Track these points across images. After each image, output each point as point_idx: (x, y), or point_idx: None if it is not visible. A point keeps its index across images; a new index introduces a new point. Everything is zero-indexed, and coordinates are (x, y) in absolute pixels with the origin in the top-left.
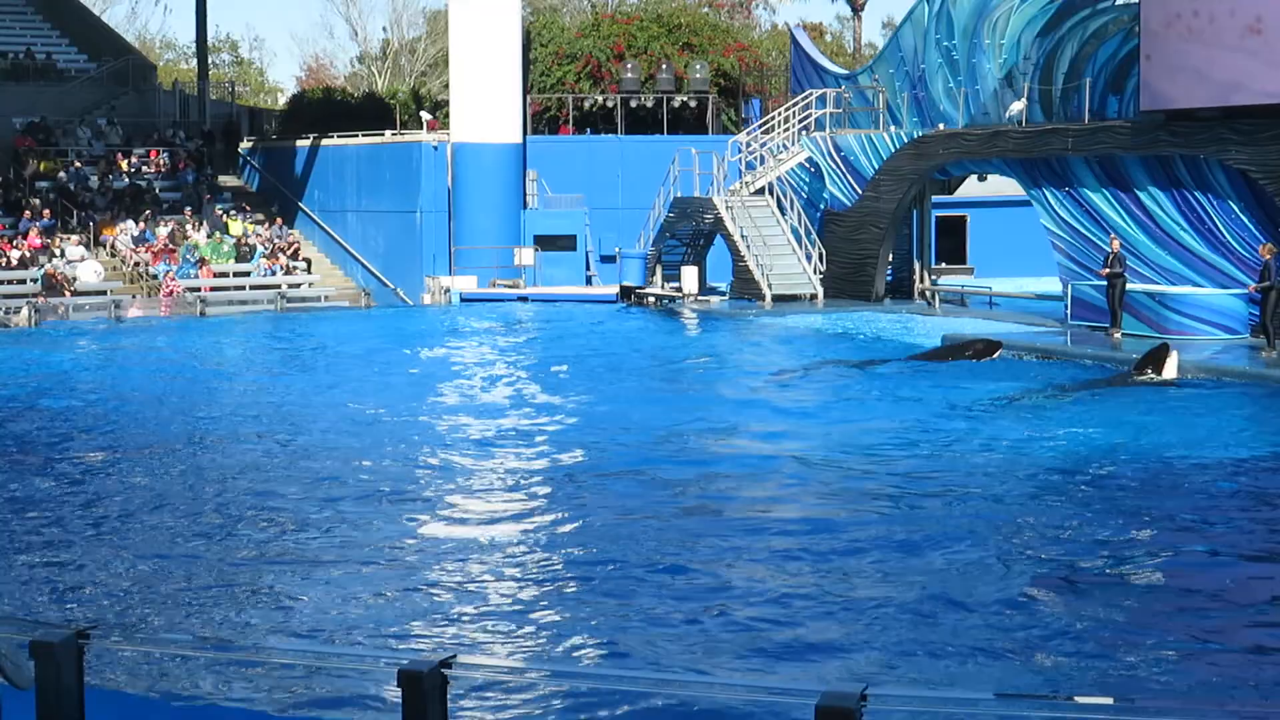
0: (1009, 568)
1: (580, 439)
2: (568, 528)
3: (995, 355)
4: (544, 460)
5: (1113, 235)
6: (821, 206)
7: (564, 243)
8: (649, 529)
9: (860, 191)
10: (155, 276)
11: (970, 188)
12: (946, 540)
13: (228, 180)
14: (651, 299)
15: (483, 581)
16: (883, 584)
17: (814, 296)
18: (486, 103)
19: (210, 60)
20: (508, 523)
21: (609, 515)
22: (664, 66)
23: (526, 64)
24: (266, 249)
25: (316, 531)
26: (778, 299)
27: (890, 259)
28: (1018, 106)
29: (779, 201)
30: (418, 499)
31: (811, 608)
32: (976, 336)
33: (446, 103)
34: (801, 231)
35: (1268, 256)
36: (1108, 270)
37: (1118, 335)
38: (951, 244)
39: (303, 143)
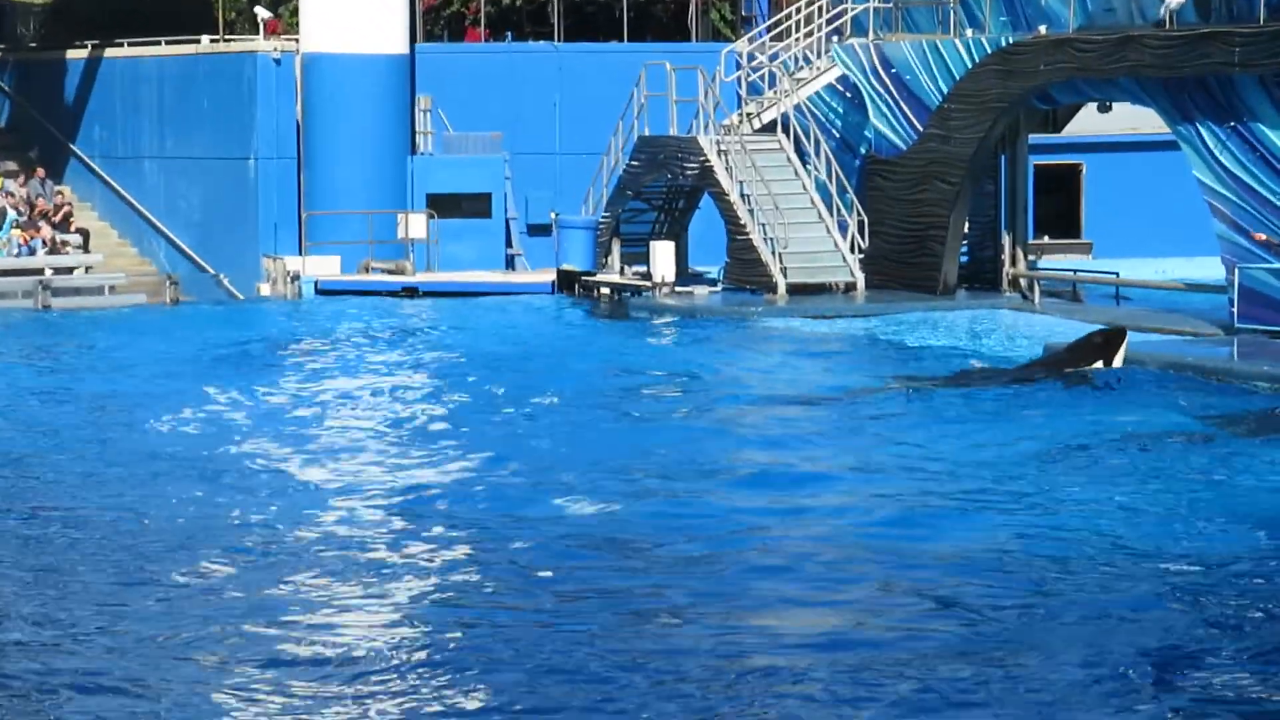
0: None
1: (480, 517)
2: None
3: (1121, 349)
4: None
5: None
6: (862, 151)
7: (473, 206)
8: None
9: (921, 128)
10: None
11: (1087, 123)
12: None
13: None
14: (605, 291)
15: None
16: None
17: (850, 287)
18: None
19: None
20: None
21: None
22: None
23: None
24: (20, 215)
25: None
26: (796, 290)
27: (965, 230)
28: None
29: (798, 144)
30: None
31: None
32: (1090, 332)
33: None
34: (832, 189)
35: None
36: None
37: None
38: (1058, 208)
39: (76, 54)
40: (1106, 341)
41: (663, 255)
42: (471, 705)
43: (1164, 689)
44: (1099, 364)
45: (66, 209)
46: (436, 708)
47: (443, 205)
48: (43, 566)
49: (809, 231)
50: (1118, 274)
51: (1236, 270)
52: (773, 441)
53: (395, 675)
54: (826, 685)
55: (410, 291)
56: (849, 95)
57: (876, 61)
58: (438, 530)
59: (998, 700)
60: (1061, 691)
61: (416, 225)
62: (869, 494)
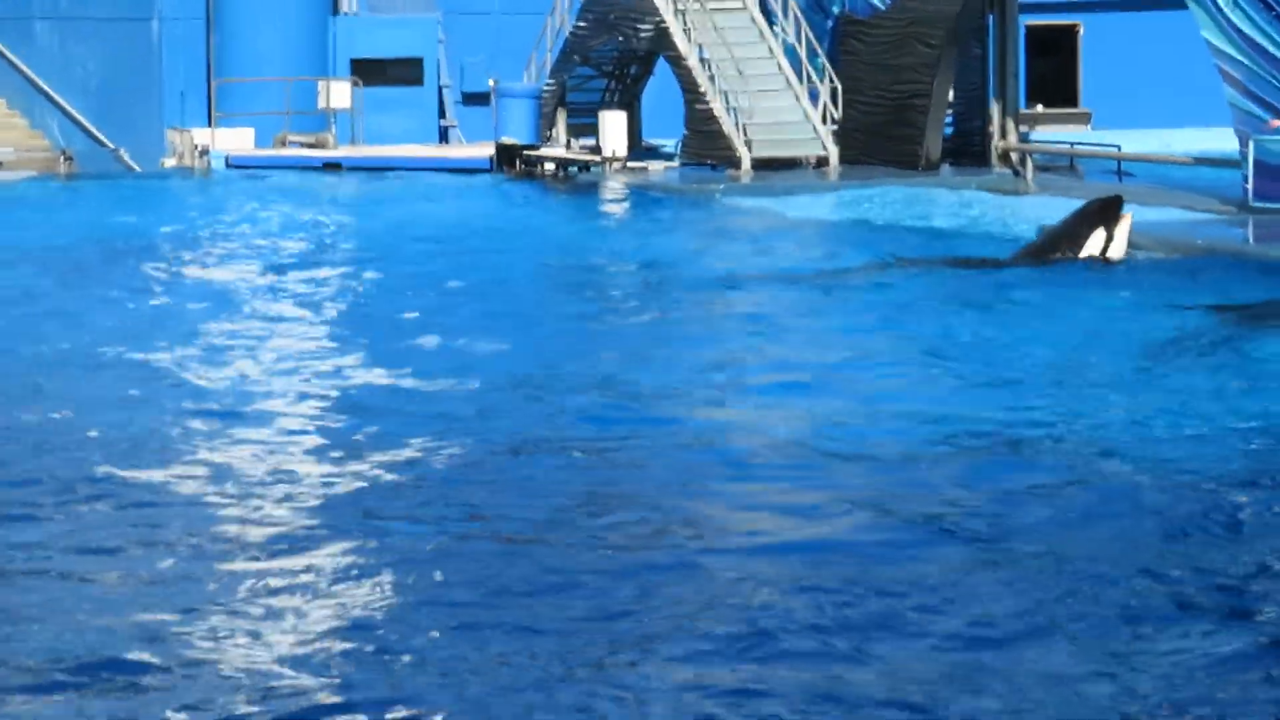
0: None
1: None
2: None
3: (1122, 222)
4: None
5: None
6: (835, 10)
7: (402, 72)
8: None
9: None
10: None
11: None
12: None
13: None
14: (550, 166)
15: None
16: None
17: (823, 162)
18: None
19: None
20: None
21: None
22: None
23: None
24: None
25: None
26: (762, 165)
27: (950, 99)
28: None
29: (763, 2)
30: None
31: None
32: (1084, 204)
33: None
34: (801, 52)
35: None
36: None
37: None
38: (1053, 73)
39: None
40: (1103, 209)
41: (613, 127)
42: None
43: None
44: (1099, 234)
45: None
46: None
47: (368, 71)
48: None
49: (776, 100)
50: (1119, 147)
51: (1251, 142)
52: (739, 331)
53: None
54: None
55: (332, 167)
56: None
57: None
58: (360, 455)
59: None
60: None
61: (339, 94)
62: (839, 398)
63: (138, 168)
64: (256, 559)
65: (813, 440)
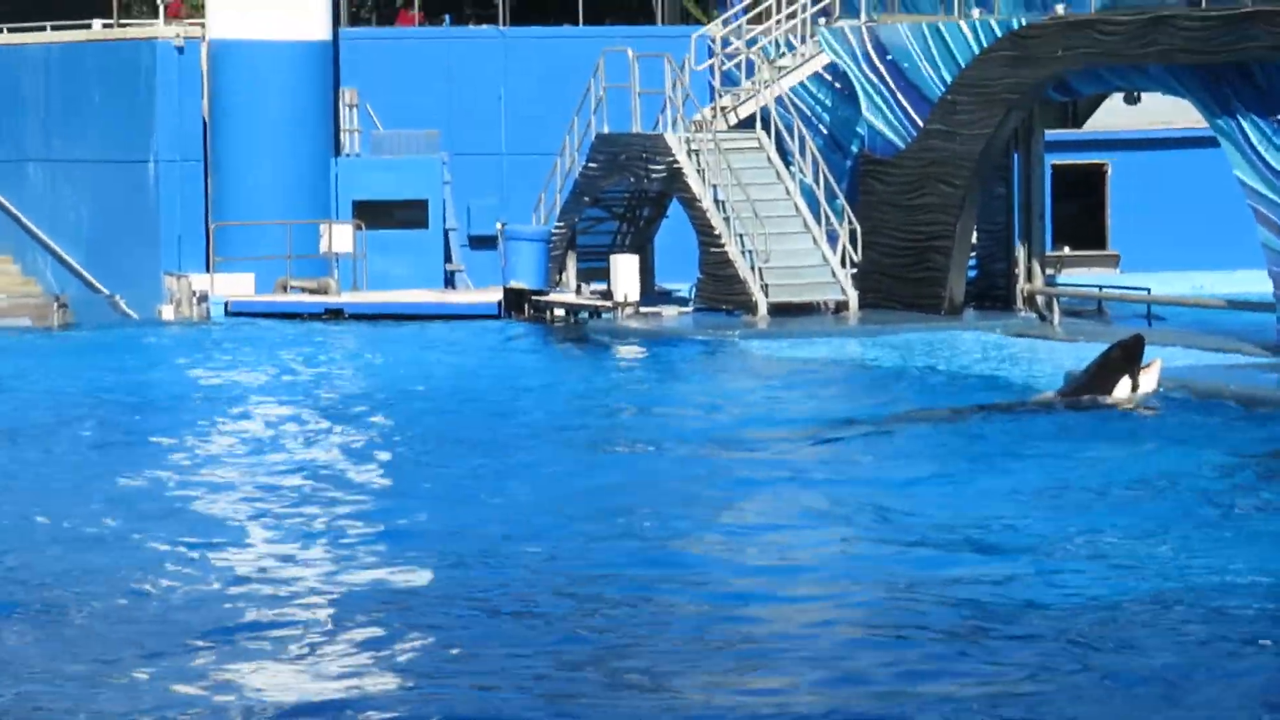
0: None
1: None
2: None
3: (1152, 367)
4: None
5: None
6: (854, 150)
7: (407, 215)
8: None
9: (921, 123)
10: None
11: (1112, 117)
12: None
13: None
14: (560, 312)
15: None
16: None
17: (842, 306)
18: None
19: None
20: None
21: None
22: None
23: None
24: None
25: None
26: (779, 310)
27: (973, 241)
28: None
29: (779, 142)
30: None
31: None
32: (1105, 350)
33: None
34: (819, 193)
35: None
36: None
37: None
38: (1081, 214)
39: None
40: (1125, 354)
41: (625, 271)
42: None
43: None
44: (1125, 383)
45: None
46: None
47: (372, 214)
48: None
49: (793, 243)
50: (1149, 290)
51: None
52: (751, 483)
53: None
54: None
55: (334, 314)
56: (838, 86)
57: (870, 47)
58: (372, 603)
59: None
60: None
61: (341, 237)
62: (856, 542)
63: (134, 314)
64: None
65: (838, 588)
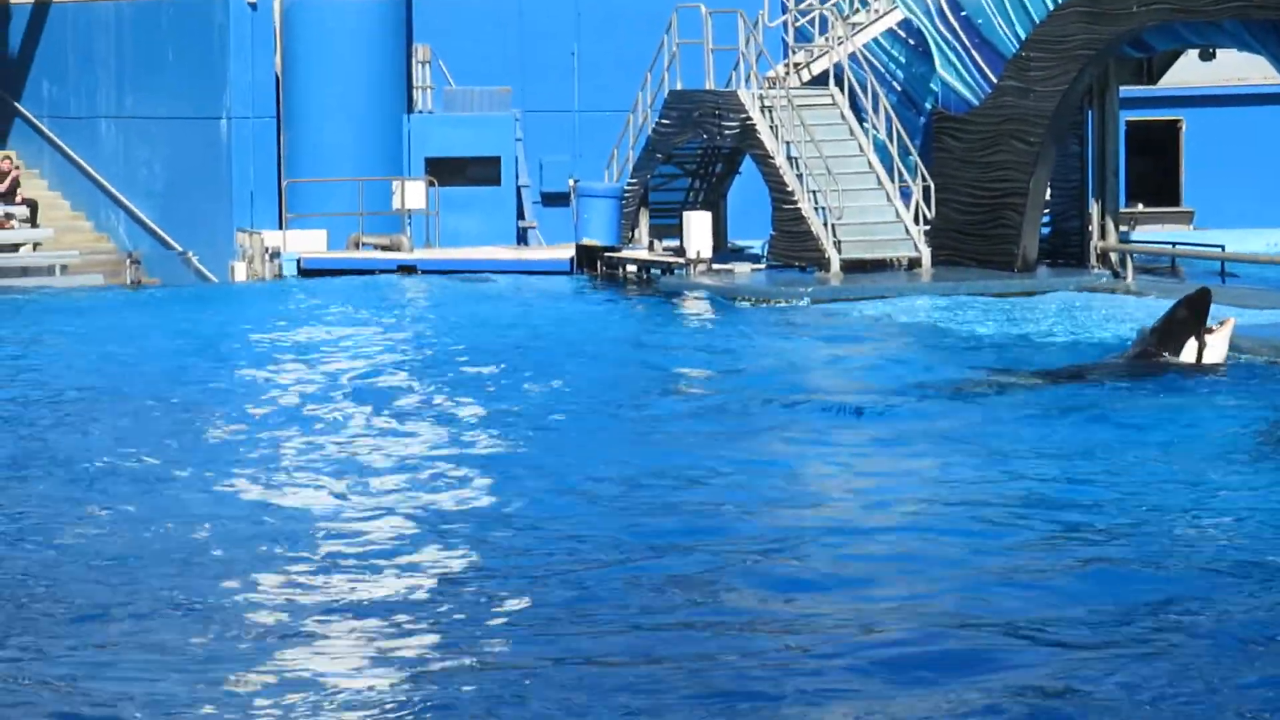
0: None
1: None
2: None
3: (1225, 326)
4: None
5: None
6: (928, 106)
7: (479, 172)
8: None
9: (995, 80)
10: None
11: (1187, 73)
12: None
13: None
14: (632, 268)
15: None
16: None
17: (915, 263)
18: None
19: None
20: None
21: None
22: None
23: None
24: None
25: None
26: (852, 266)
27: (1047, 198)
28: None
29: (853, 98)
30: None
31: None
32: (1171, 307)
33: None
34: (893, 150)
35: None
36: None
37: None
38: (1155, 171)
39: None
40: (1191, 310)
41: (698, 228)
42: None
43: None
44: (1192, 344)
45: (15, 175)
46: None
47: (444, 171)
48: None
49: (866, 200)
50: (1223, 247)
51: None
52: (828, 447)
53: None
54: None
55: (407, 270)
56: (912, 42)
57: (944, 2)
58: (436, 553)
59: None
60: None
61: (414, 194)
62: (939, 507)
63: (206, 270)
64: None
65: (919, 547)
